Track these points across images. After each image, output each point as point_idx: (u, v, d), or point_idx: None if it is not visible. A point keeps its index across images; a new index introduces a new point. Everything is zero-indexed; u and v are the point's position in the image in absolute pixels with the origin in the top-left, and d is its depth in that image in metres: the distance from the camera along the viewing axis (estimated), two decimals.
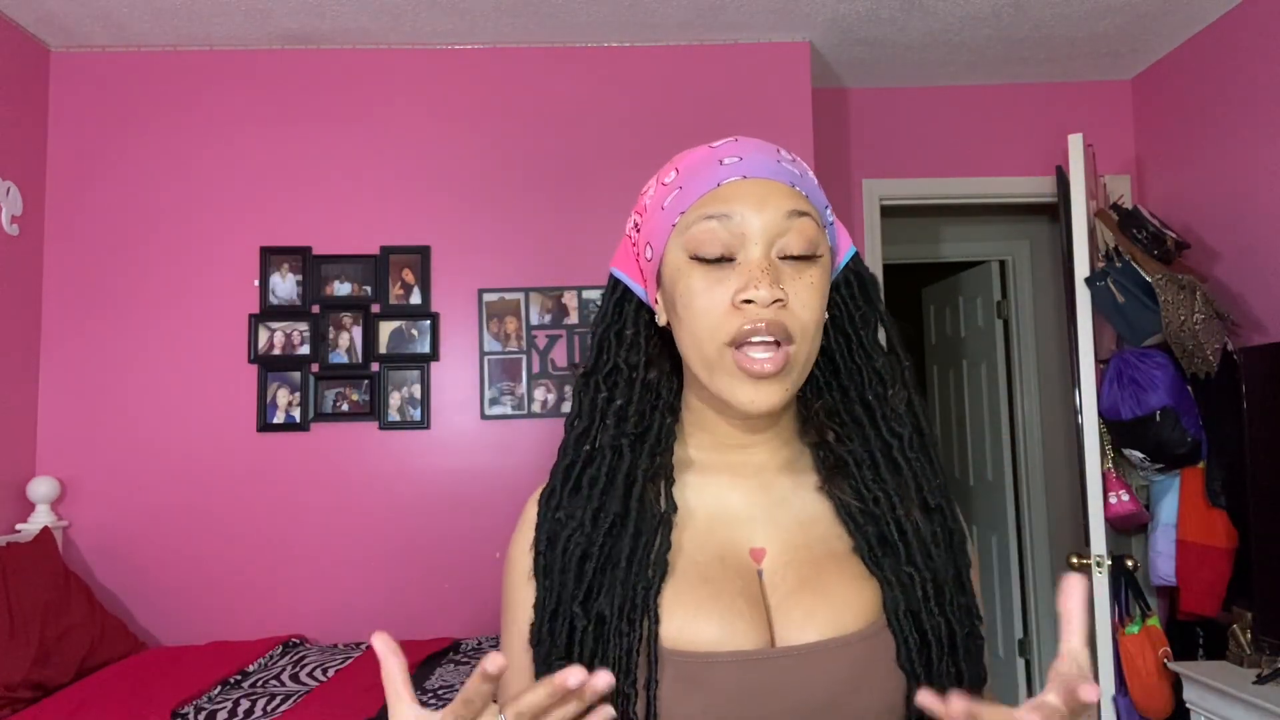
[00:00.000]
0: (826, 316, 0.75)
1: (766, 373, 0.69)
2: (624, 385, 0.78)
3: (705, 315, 0.71)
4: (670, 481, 0.77)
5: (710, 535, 0.75)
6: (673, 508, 0.75)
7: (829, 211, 0.78)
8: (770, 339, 0.68)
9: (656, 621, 0.69)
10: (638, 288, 0.80)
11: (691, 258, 0.72)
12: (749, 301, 0.68)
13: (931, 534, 0.74)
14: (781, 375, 0.70)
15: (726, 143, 0.75)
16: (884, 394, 0.77)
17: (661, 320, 0.78)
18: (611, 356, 0.79)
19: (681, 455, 0.80)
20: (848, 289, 0.81)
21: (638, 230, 0.79)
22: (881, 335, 0.81)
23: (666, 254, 0.74)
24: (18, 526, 2.64)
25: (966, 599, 0.74)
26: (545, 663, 0.72)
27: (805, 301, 0.70)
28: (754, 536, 0.75)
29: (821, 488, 0.78)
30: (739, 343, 0.69)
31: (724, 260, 0.71)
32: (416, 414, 2.84)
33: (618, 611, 0.70)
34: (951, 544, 0.75)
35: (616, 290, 0.81)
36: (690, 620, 0.70)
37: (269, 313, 2.85)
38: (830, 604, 0.71)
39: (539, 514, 0.77)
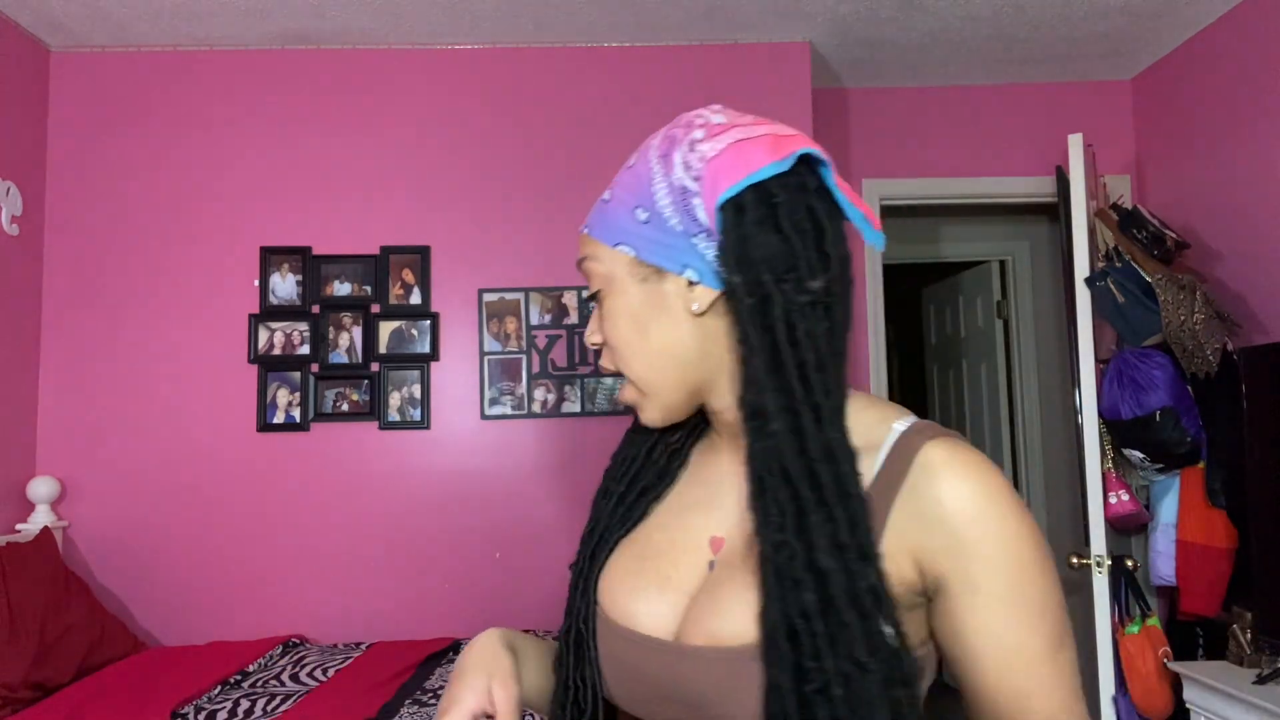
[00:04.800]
0: (682, 332, 0.71)
1: (627, 399, 0.75)
2: None
3: None
4: (696, 434, 0.81)
5: (681, 514, 0.76)
6: (663, 482, 0.79)
7: (644, 211, 0.70)
8: (618, 376, 0.74)
9: (595, 602, 0.76)
10: None
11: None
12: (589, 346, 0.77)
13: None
14: (640, 401, 0.74)
15: None
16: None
17: None
18: None
19: (705, 438, 0.82)
20: (727, 249, 0.68)
21: None
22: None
23: None
24: (18, 526, 2.64)
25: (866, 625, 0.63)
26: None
27: (609, 335, 0.73)
28: (719, 525, 0.74)
29: None
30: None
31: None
32: (416, 414, 2.84)
33: (580, 572, 0.78)
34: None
35: None
36: (626, 595, 0.74)
37: (269, 313, 2.85)
38: (728, 610, 0.67)
39: (620, 444, 0.85)
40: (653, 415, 0.74)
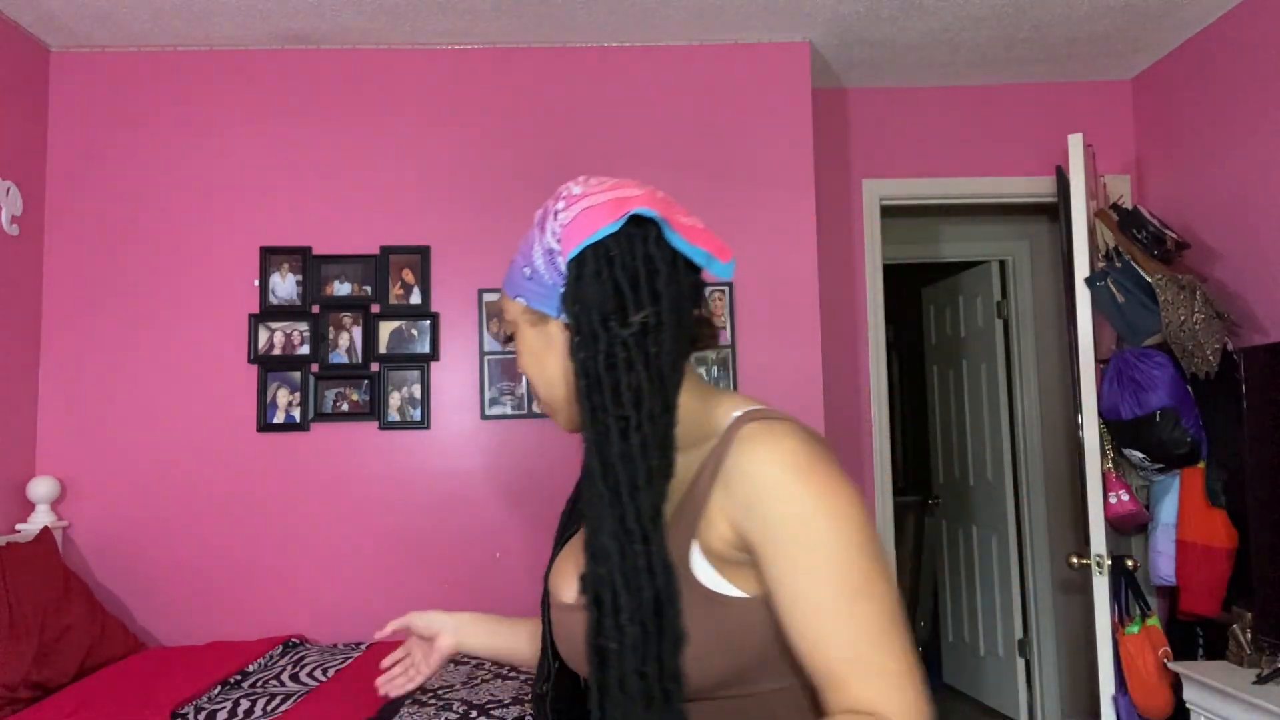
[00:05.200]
0: (568, 362, 0.85)
1: (545, 414, 0.97)
2: None
3: None
4: None
5: None
6: None
7: (528, 268, 0.88)
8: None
9: (547, 589, 0.97)
10: None
11: None
12: None
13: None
14: (551, 415, 0.93)
15: None
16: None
17: None
18: None
19: None
20: (569, 305, 0.85)
21: None
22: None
23: None
24: (18, 526, 2.64)
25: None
26: None
27: (521, 367, 0.93)
28: None
29: None
30: None
31: None
32: (416, 414, 2.84)
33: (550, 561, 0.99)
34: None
35: None
36: (560, 577, 0.94)
37: (269, 313, 2.85)
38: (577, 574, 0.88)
39: None
40: (564, 425, 0.92)
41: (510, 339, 0.95)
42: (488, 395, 2.86)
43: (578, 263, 0.82)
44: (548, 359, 0.88)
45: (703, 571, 0.78)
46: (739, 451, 0.78)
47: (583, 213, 0.83)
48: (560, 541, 1.00)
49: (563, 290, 0.84)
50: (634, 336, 0.79)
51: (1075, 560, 2.66)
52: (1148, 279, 2.69)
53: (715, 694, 0.79)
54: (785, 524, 0.74)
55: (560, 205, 0.85)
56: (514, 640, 1.13)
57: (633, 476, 0.77)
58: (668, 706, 0.74)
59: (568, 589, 0.91)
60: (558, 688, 0.97)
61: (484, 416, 2.86)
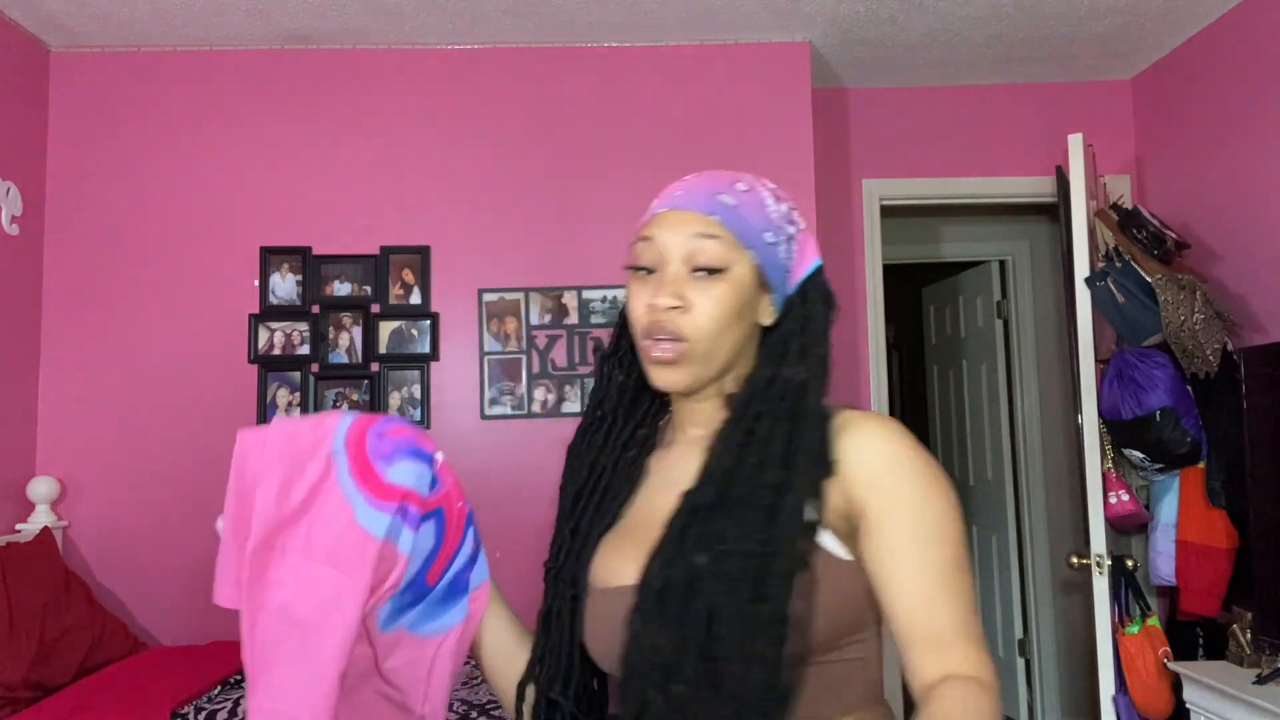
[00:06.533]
0: (763, 320, 0.92)
1: (663, 360, 0.88)
2: (627, 365, 0.98)
3: (632, 313, 0.91)
4: (648, 450, 0.97)
5: (654, 496, 0.92)
6: (641, 474, 0.96)
7: (771, 235, 0.90)
8: (666, 336, 0.87)
9: (586, 563, 0.94)
10: None
11: (628, 268, 0.93)
12: (655, 305, 0.87)
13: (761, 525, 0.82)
14: (678, 363, 0.87)
15: (687, 178, 0.93)
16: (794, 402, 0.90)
17: None
18: (625, 341, 0.98)
19: (666, 433, 0.99)
20: (808, 301, 0.93)
21: None
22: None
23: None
24: (18, 526, 2.64)
25: (768, 607, 0.78)
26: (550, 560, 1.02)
27: (705, 310, 0.87)
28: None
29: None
30: (647, 336, 0.89)
31: (651, 271, 0.90)
32: (416, 414, 2.84)
33: (566, 562, 0.97)
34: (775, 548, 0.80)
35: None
36: (611, 564, 0.90)
37: (269, 313, 2.85)
38: (640, 556, 0.86)
39: (568, 452, 1.03)
40: (679, 378, 0.89)
41: (708, 271, 0.88)
42: (488, 395, 2.86)
43: (810, 280, 0.92)
44: (744, 317, 0.90)
45: (826, 538, 0.82)
46: (855, 433, 0.84)
47: (807, 232, 0.94)
48: (585, 541, 0.96)
49: (791, 291, 0.91)
50: (820, 353, 0.90)
51: (1075, 560, 2.66)
52: (1148, 279, 2.69)
53: (814, 658, 0.80)
54: (909, 497, 0.81)
55: (789, 205, 0.93)
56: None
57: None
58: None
59: (621, 569, 0.88)
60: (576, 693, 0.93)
61: (484, 416, 2.86)
